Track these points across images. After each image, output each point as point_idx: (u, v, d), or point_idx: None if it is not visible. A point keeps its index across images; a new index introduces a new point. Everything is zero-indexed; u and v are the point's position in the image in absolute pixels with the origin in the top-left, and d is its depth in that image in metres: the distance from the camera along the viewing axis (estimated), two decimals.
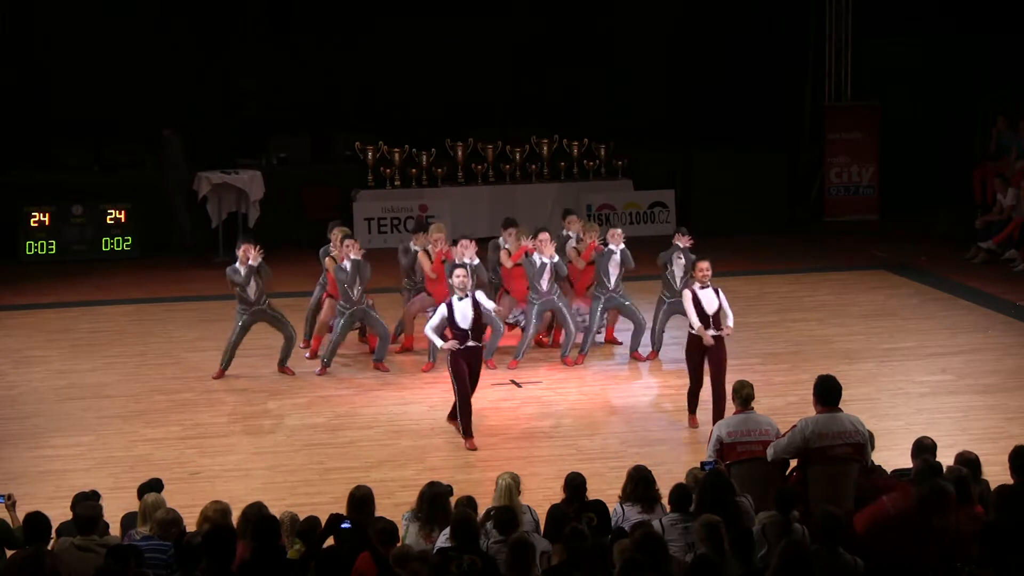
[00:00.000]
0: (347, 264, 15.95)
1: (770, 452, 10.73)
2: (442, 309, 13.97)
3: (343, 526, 9.30)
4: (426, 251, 16.59)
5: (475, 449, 13.76)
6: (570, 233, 17.12)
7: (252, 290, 15.83)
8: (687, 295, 14.18)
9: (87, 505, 9.70)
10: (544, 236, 16.25)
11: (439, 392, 15.61)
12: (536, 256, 16.20)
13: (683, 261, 16.16)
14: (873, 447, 10.51)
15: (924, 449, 10.33)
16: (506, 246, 16.87)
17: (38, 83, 23.58)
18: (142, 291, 20.31)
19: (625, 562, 8.38)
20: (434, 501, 10.06)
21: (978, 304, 18.92)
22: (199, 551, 8.79)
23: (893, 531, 9.19)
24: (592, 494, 10.43)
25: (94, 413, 15.13)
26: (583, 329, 16.61)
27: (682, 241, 16.19)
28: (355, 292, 16.00)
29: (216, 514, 9.66)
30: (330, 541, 9.35)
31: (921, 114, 24.88)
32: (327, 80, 24.48)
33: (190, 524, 9.76)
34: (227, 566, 8.74)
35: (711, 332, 13.98)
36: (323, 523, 9.45)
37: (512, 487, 10.09)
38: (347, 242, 16.04)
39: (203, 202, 22.47)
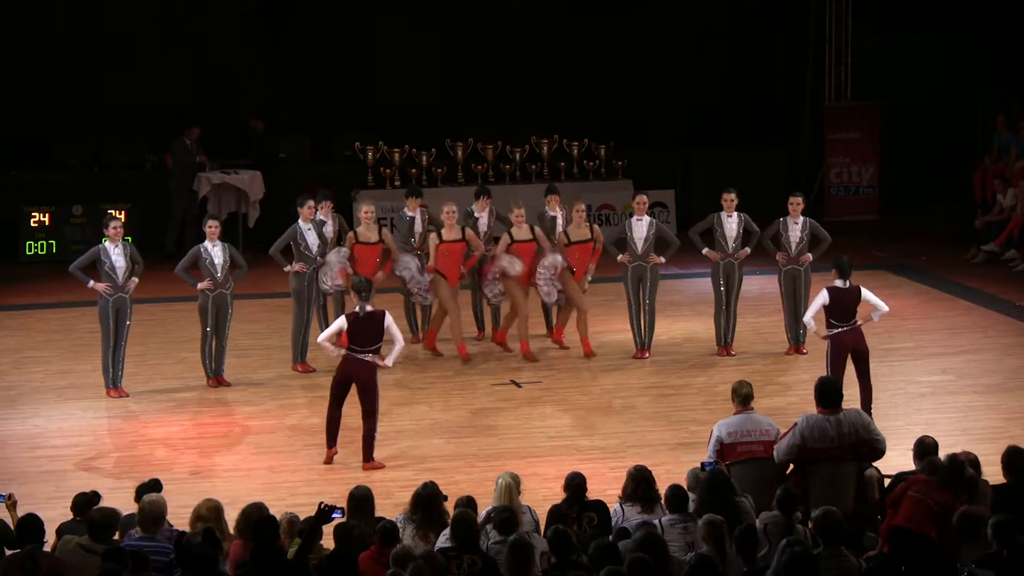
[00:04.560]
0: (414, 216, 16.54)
1: (775, 455, 10.83)
2: (341, 322, 13.53)
3: (334, 516, 9.28)
4: (438, 232, 16.63)
5: (329, 462, 13.45)
6: (553, 213, 17.07)
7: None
8: (824, 293, 14.04)
9: (104, 512, 9.55)
10: (642, 198, 16.66)
11: (440, 392, 15.63)
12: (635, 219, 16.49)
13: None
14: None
15: (928, 449, 10.34)
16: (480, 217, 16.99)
17: (39, 83, 23.56)
18: (142, 291, 20.24)
19: (628, 562, 8.38)
20: (425, 502, 10.04)
21: (978, 304, 18.91)
22: (199, 551, 8.77)
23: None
24: (592, 494, 10.44)
25: (94, 413, 15.13)
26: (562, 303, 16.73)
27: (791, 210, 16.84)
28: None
29: (209, 512, 9.63)
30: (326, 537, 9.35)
31: (921, 114, 24.84)
32: (327, 80, 24.46)
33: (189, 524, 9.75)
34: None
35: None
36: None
37: (512, 487, 10.09)
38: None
39: (203, 202, 22.44)
